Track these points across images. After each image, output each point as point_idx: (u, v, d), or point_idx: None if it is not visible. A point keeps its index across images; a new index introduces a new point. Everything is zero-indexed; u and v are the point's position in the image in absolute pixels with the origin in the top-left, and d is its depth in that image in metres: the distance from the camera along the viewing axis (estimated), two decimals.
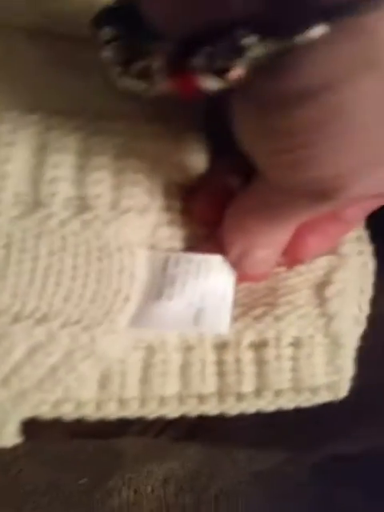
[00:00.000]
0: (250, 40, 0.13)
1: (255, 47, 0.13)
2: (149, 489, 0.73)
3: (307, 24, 0.13)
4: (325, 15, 0.13)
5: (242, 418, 0.26)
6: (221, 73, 0.14)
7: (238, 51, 0.14)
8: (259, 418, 0.26)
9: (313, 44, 0.13)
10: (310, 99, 0.14)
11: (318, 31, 0.13)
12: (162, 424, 0.28)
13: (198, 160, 0.23)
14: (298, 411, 0.26)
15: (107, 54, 0.18)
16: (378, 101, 0.14)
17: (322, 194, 0.17)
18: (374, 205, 0.23)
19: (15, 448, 0.23)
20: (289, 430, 0.28)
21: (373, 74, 0.14)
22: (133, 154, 0.22)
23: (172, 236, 0.23)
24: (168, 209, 0.23)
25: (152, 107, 0.23)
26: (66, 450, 0.71)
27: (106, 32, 0.18)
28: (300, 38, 0.13)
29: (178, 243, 0.23)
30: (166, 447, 0.68)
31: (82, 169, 0.21)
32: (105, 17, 0.18)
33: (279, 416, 0.26)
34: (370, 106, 0.14)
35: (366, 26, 0.13)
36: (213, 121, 0.23)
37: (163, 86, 0.16)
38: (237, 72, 0.14)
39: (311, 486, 0.75)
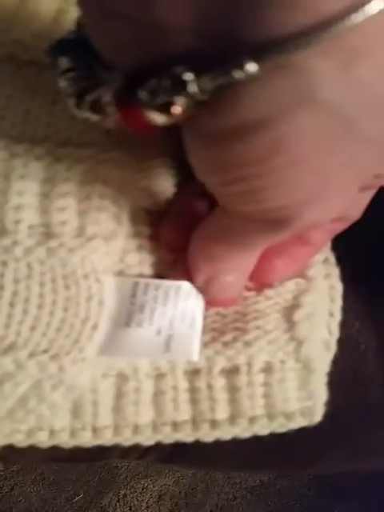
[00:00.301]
0: (188, 76, 0.14)
1: (193, 83, 0.14)
2: (144, 505, 0.73)
3: (239, 62, 0.13)
4: (255, 53, 0.13)
5: (219, 442, 0.26)
6: (163, 108, 0.14)
7: (178, 87, 0.14)
8: (237, 442, 0.26)
9: (247, 81, 0.13)
10: (249, 135, 0.14)
11: (249, 68, 0.13)
12: (142, 449, 0.27)
13: (165, 185, 0.23)
14: (273, 436, 0.25)
15: (63, 84, 0.18)
16: (314, 135, 0.14)
17: (275, 223, 0.17)
18: (338, 228, 0.24)
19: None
20: (265, 453, 0.28)
21: (307, 109, 0.14)
22: (98, 180, 0.22)
23: (141, 262, 0.23)
24: (137, 234, 0.23)
25: (118, 133, 0.23)
26: (59, 467, 0.70)
27: (63, 62, 0.18)
28: (234, 75, 0.13)
29: (147, 269, 0.23)
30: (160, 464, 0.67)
31: (46, 196, 0.21)
32: (61, 47, 0.19)
33: (255, 440, 0.26)
34: (307, 140, 0.14)
35: (296, 64, 0.13)
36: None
37: (115, 118, 0.16)
38: (177, 108, 0.14)
39: (308, 499, 0.74)
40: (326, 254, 0.27)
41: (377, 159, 0.17)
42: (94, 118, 0.17)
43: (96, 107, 0.17)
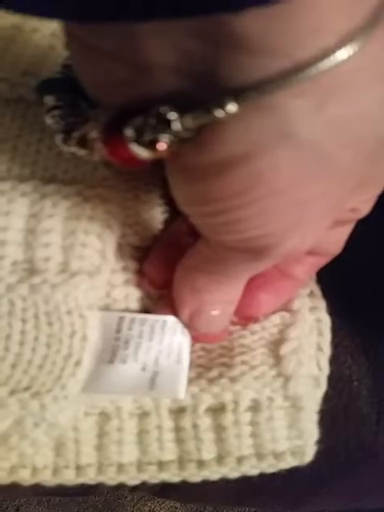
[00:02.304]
0: (172, 115, 0.14)
1: (177, 122, 0.14)
2: None
3: (220, 102, 0.14)
4: (236, 94, 0.14)
5: (208, 480, 0.25)
6: (149, 144, 0.15)
7: (163, 125, 0.15)
8: (226, 479, 0.25)
9: (228, 120, 0.14)
10: (230, 169, 0.15)
11: (230, 109, 0.14)
12: (130, 486, 0.27)
13: (151, 221, 0.24)
14: (263, 474, 0.25)
15: (49, 121, 0.19)
16: (293, 170, 0.15)
17: (256, 251, 0.18)
18: (320, 262, 0.24)
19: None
20: (255, 492, 0.27)
21: (286, 145, 0.15)
22: (83, 216, 0.22)
23: (127, 297, 0.23)
24: (123, 269, 0.24)
25: (104, 170, 0.23)
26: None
27: (49, 100, 0.19)
28: (215, 115, 0.14)
29: (133, 304, 0.24)
30: None
31: (31, 232, 0.21)
32: (48, 86, 0.20)
33: (245, 478, 0.25)
34: (284, 173, 0.15)
35: (274, 104, 0.14)
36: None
37: (102, 153, 0.17)
38: (162, 145, 0.15)
39: None
40: (311, 287, 0.27)
41: (350, 192, 0.18)
42: (81, 152, 0.18)
43: (83, 143, 0.18)
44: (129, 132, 0.15)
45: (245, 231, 0.17)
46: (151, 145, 0.15)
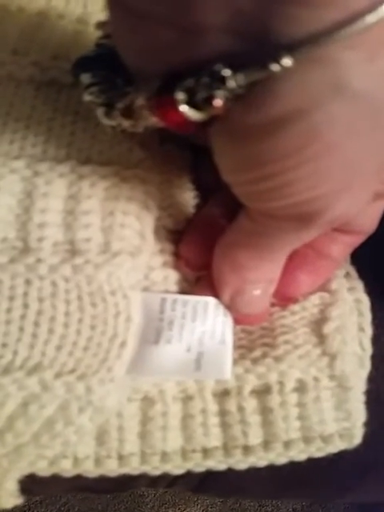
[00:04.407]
0: (226, 72, 0.15)
1: (231, 79, 0.15)
2: None
3: (275, 57, 0.14)
4: (290, 48, 0.14)
5: (252, 468, 0.25)
6: (202, 104, 0.15)
7: (218, 83, 0.15)
8: (271, 467, 0.25)
9: (282, 74, 0.14)
10: (284, 126, 0.15)
11: (285, 63, 0.14)
12: (171, 477, 0.26)
13: (185, 204, 0.24)
14: (310, 460, 0.25)
15: (88, 98, 0.19)
16: (348, 124, 0.15)
17: (304, 217, 0.18)
18: (356, 241, 0.24)
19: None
20: (301, 479, 0.27)
21: (341, 98, 0.15)
22: (121, 196, 0.22)
23: (166, 279, 0.23)
24: (161, 251, 0.24)
25: (139, 152, 0.23)
26: (84, 496, 0.69)
27: (85, 78, 0.20)
28: (271, 69, 0.14)
29: (172, 286, 0.24)
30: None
31: (70, 213, 0.21)
32: (83, 64, 0.20)
33: (291, 465, 0.25)
34: (341, 129, 0.15)
35: (328, 56, 0.14)
36: (201, 162, 0.24)
37: (148, 121, 0.17)
38: (219, 101, 0.15)
39: None
40: (347, 268, 0.27)
41: None
42: (125, 123, 0.18)
43: (127, 113, 0.18)
44: (180, 94, 0.16)
45: (295, 195, 0.17)
46: (205, 104, 0.15)
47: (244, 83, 0.15)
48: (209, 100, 0.15)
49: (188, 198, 0.24)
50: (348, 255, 0.27)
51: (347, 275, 0.27)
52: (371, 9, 0.14)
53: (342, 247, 0.25)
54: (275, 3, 0.14)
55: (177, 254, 0.24)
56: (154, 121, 0.17)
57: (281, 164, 0.16)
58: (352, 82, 0.15)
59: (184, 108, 0.16)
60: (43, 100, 0.24)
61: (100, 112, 0.19)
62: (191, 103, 0.16)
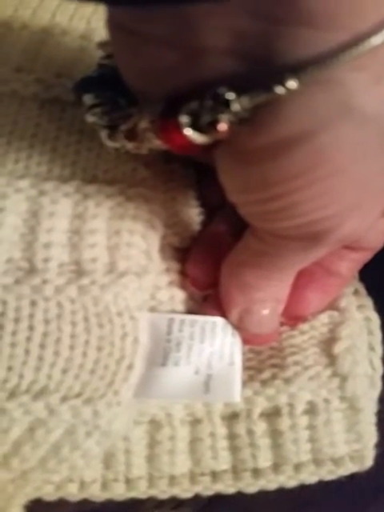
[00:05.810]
0: (230, 95, 0.15)
1: (236, 102, 0.15)
2: None
3: (279, 79, 0.14)
4: (295, 70, 0.14)
5: (261, 491, 0.24)
6: (206, 128, 0.15)
7: (222, 106, 0.15)
8: (280, 490, 0.25)
9: (287, 97, 0.14)
10: (291, 148, 0.15)
11: (290, 84, 0.14)
12: (178, 500, 0.26)
13: (190, 222, 0.24)
14: (320, 482, 0.24)
15: (91, 119, 0.19)
16: (355, 145, 0.15)
17: (313, 236, 0.18)
18: (364, 257, 0.24)
19: None
20: (311, 502, 0.26)
21: (348, 120, 0.15)
22: (127, 215, 0.22)
23: (172, 298, 0.23)
24: (166, 271, 0.24)
25: (143, 171, 0.24)
26: None
27: (87, 99, 0.20)
28: (276, 92, 0.14)
29: (179, 306, 0.24)
30: None
31: (76, 233, 0.21)
32: (85, 85, 0.20)
33: (301, 488, 0.24)
34: (348, 150, 0.15)
35: (335, 78, 0.14)
36: (205, 179, 0.24)
37: (152, 143, 0.17)
38: (223, 125, 0.15)
39: None
40: (355, 285, 0.27)
41: None
42: (129, 146, 0.18)
43: (131, 135, 0.18)
44: (184, 118, 0.16)
45: (303, 215, 0.17)
46: (209, 128, 0.15)
47: (249, 106, 0.15)
48: (213, 124, 0.15)
49: (193, 215, 0.24)
50: (356, 272, 0.27)
51: (356, 292, 0.27)
52: (377, 30, 0.14)
53: (350, 264, 0.25)
54: (279, 25, 0.14)
55: (183, 273, 0.24)
56: (157, 143, 0.17)
57: (288, 185, 0.16)
58: (359, 104, 0.15)
59: (188, 131, 0.16)
60: (48, 118, 0.24)
61: (103, 134, 0.19)
62: (195, 126, 0.16)
